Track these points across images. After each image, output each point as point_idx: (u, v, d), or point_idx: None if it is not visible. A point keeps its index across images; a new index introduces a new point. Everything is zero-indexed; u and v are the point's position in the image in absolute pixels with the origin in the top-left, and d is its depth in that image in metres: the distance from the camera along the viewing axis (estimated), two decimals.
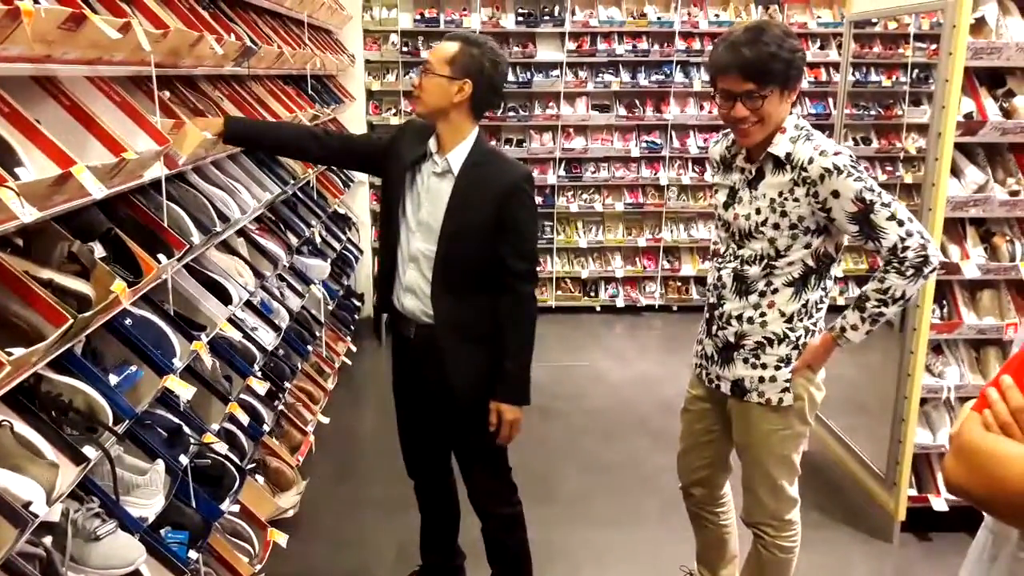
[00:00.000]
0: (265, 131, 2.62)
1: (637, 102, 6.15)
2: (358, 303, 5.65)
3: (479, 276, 2.23)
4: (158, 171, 2.20)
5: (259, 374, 3.28)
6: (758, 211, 2.07)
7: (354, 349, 5.09)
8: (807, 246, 2.06)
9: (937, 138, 2.81)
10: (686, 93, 6.14)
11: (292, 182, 3.56)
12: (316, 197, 4.50)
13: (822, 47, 6.09)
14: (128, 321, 2.17)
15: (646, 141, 6.18)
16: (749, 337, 2.15)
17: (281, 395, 3.37)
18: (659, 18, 5.97)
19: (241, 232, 3.23)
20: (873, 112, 5.97)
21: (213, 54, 2.45)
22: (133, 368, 2.02)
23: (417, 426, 2.56)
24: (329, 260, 4.43)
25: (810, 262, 2.08)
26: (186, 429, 2.30)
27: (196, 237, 2.36)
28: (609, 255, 6.39)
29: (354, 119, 5.76)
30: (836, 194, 1.96)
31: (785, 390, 2.14)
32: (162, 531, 2.24)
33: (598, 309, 6.35)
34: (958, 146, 2.84)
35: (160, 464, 2.02)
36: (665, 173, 6.19)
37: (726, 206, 2.16)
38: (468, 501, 2.58)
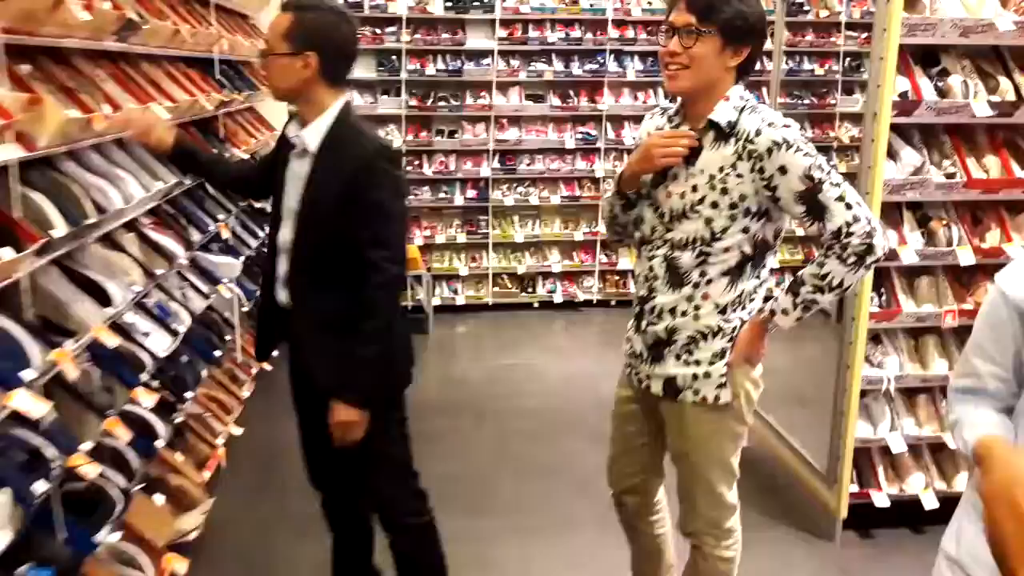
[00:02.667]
0: (211, 156, 2.44)
1: (571, 92, 5.98)
2: None
3: (339, 264, 2.01)
4: (8, 153, 1.91)
5: (150, 384, 2.99)
6: (695, 188, 1.90)
7: (276, 353, 4.78)
8: (745, 230, 1.89)
9: (873, 119, 2.68)
10: (620, 83, 5.99)
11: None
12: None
13: None
14: None
15: (581, 132, 6.01)
16: (682, 332, 1.98)
17: (180, 406, 3.08)
18: (591, 5, 5.81)
19: (132, 227, 2.93)
20: (807, 101, 5.92)
21: (82, 24, 2.16)
22: None
23: (312, 431, 2.31)
24: (242, 258, 4.13)
25: (747, 249, 1.91)
26: (48, 451, 2.01)
27: (61, 230, 2.08)
28: (546, 249, 6.21)
29: (274, 108, 5.44)
30: (784, 170, 1.80)
31: (721, 386, 1.97)
32: (21, 569, 1.96)
33: (536, 305, 6.16)
34: (894, 127, 2.72)
35: (4, 493, 1.73)
36: (601, 165, 6.04)
37: (656, 184, 1.98)
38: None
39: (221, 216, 3.79)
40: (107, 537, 2.26)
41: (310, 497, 3.42)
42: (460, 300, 5.99)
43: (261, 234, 4.76)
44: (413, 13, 5.60)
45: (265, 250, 2.08)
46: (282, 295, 2.14)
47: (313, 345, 2.09)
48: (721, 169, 1.86)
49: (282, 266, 2.10)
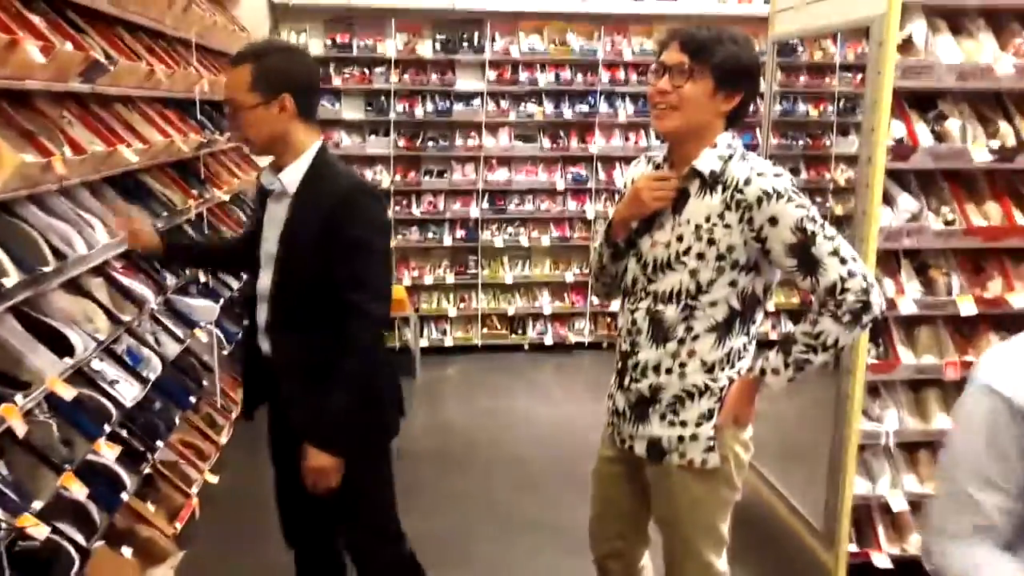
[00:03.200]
0: (203, 246, 2.42)
1: (562, 133, 5.94)
2: None
3: (320, 308, 1.91)
4: None
5: (120, 433, 2.87)
6: (680, 238, 1.80)
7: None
8: (732, 283, 1.79)
9: (868, 163, 2.61)
10: (611, 124, 5.95)
11: (165, 214, 3.16)
12: (207, 231, 4.10)
13: None
14: None
15: (572, 173, 5.95)
16: (667, 390, 1.87)
17: (150, 455, 2.94)
18: (582, 47, 5.79)
19: (100, 271, 2.83)
20: (801, 142, 5.88)
21: (40, 65, 2.08)
22: None
23: (288, 482, 2.19)
24: (222, 300, 4.02)
25: (735, 303, 1.81)
26: None
27: (12, 278, 1.97)
28: (536, 291, 6.11)
29: None
30: (774, 221, 1.71)
31: (709, 449, 1.85)
32: None
33: (526, 347, 6.04)
34: (890, 173, 2.64)
35: None
36: (592, 206, 5.97)
37: (640, 232, 1.88)
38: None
39: None
40: None
41: (283, 553, 3.27)
42: (448, 342, 5.88)
43: (244, 276, 4.66)
44: (403, 54, 5.57)
45: (245, 296, 2.07)
46: (264, 344, 2.04)
47: (291, 389, 1.99)
48: (708, 219, 1.77)
49: (262, 314, 2.02)
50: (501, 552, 3.29)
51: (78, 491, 2.16)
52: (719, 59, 1.71)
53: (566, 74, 5.79)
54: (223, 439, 3.99)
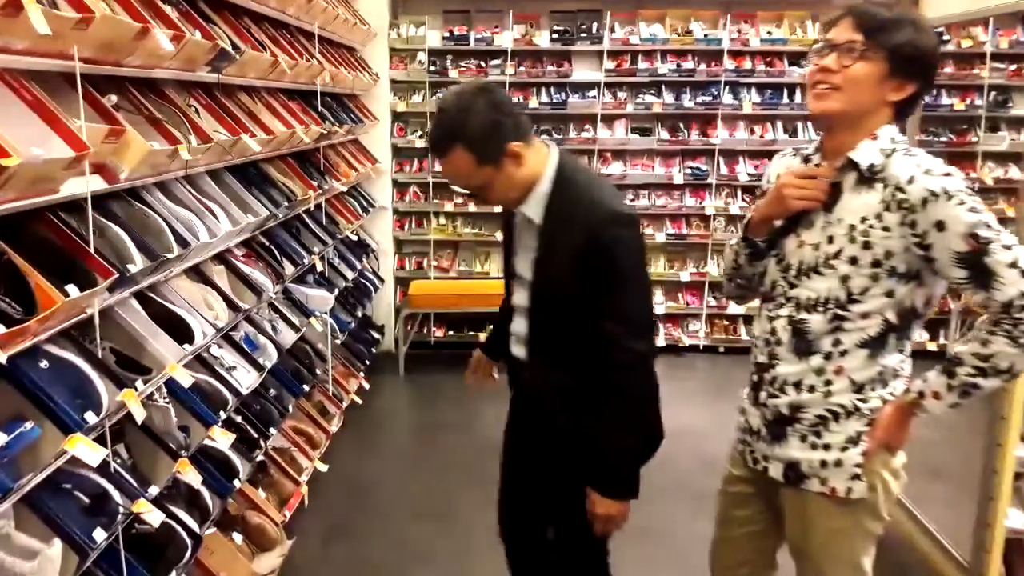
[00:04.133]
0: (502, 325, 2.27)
1: (681, 125, 5.71)
2: (377, 335, 5.28)
3: (577, 337, 1.84)
4: (88, 185, 1.84)
5: (235, 420, 2.91)
6: (831, 239, 1.62)
7: (367, 386, 4.70)
8: (889, 294, 1.59)
9: None
10: (735, 116, 5.67)
11: (286, 204, 3.20)
12: (325, 222, 4.15)
13: None
14: (43, 364, 1.80)
15: (691, 167, 5.72)
16: (808, 409, 1.69)
17: (263, 442, 2.98)
18: (706, 35, 5.54)
19: (222, 259, 2.88)
20: (944, 138, 5.42)
21: (170, 54, 2.10)
22: (28, 425, 1.64)
23: (517, 478, 2.18)
24: (336, 290, 4.06)
25: (891, 316, 1.61)
26: (114, 495, 1.92)
27: (138, 264, 2.00)
28: None
29: (378, 141, 5.44)
30: (941, 226, 1.50)
31: (855, 477, 1.66)
32: None
33: None
34: None
35: (55, 545, 1.63)
36: (711, 202, 5.72)
37: (784, 231, 1.71)
38: None
39: (317, 249, 3.73)
40: None
41: (392, 542, 3.27)
42: None
43: (359, 266, 4.71)
44: (519, 45, 5.49)
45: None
46: (518, 350, 2.01)
47: (551, 409, 1.95)
48: (863, 219, 1.58)
49: (519, 325, 1.98)
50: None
51: (193, 478, 2.19)
52: (897, 42, 1.53)
53: (688, 63, 5.56)
54: (334, 428, 4.04)
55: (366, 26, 4.98)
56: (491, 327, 2.41)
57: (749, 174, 5.66)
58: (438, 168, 5.68)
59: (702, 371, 5.59)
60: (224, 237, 2.62)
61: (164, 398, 2.34)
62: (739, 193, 5.76)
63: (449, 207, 5.61)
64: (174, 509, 2.33)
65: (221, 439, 2.42)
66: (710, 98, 5.59)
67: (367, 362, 4.90)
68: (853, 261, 1.59)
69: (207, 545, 2.70)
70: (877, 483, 1.66)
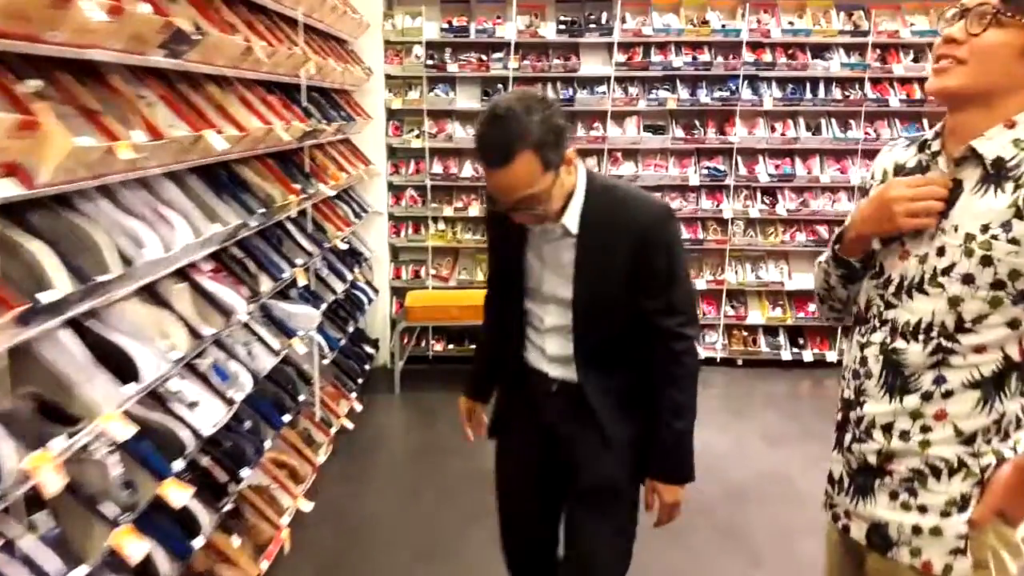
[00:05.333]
0: (490, 358, 2.15)
1: (697, 122, 5.32)
2: (371, 350, 4.88)
3: (629, 341, 1.83)
4: None
5: (200, 463, 2.52)
6: (941, 251, 1.28)
7: (359, 408, 4.31)
8: (1013, 324, 1.24)
9: None
10: (754, 112, 5.28)
11: (262, 211, 2.80)
12: (312, 230, 3.76)
13: (916, 59, 5.19)
14: None
15: (707, 167, 5.32)
16: (900, 460, 1.35)
17: (232, 486, 2.59)
18: (724, 26, 5.15)
19: (185, 276, 2.49)
20: None
21: (105, 29, 1.71)
22: None
23: (536, 501, 2.02)
24: (323, 306, 3.67)
25: (1012, 352, 1.26)
26: None
27: (60, 290, 1.60)
28: None
29: (371, 140, 5.04)
30: None
31: (958, 551, 1.30)
32: None
33: None
34: None
35: None
36: (729, 204, 5.32)
37: (891, 240, 1.37)
38: None
39: (300, 260, 3.34)
40: None
41: None
42: None
43: (350, 276, 4.32)
44: (523, 37, 5.10)
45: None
46: (549, 368, 1.89)
47: (608, 425, 1.86)
48: (986, 228, 1.23)
49: (553, 345, 1.87)
50: None
51: (135, 549, 1.79)
52: None
53: (704, 56, 5.17)
54: (321, 458, 3.64)
55: (358, 16, 4.59)
56: (475, 365, 2.21)
57: (770, 175, 5.27)
58: (436, 170, 5.34)
59: (720, 387, 5.19)
60: (184, 251, 2.22)
61: (105, 448, 1.94)
62: (759, 195, 5.37)
63: (448, 211, 5.21)
64: None
65: (175, 494, 2.02)
66: (728, 93, 5.20)
67: (360, 380, 4.50)
68: (968, 280, 1.25)
69: None
70: (989, 559, 1.30)
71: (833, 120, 5.29)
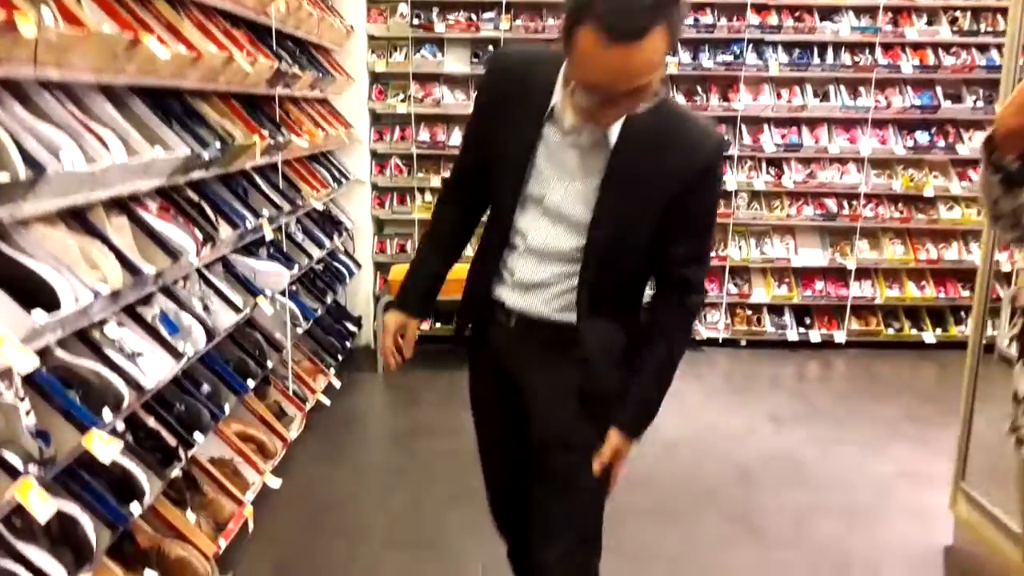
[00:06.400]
0: (439, 262, 1.81)
1: (699, 88, 5.03)
2: (353, 328, 4.58)
3: (638, 281, 1.63)
4: None
5: (146, 423, 2.23)
6: None
7: (337, 385, 4.00)
8: None
9: None
10: (759, 78, 5.00)
11: (218, 147, 2.50)
12: (284, 187, 3.45)
13: (930, 23, 4.92)
14: None
15: None
16: None
17: (182, 452, 2.29)
18: None
19: (125, 209, 2.19)
20: None
21: None
22: None
23: (506, 457, 1.81)
24: (296, 267, 3.37)
25: None
26: None
27: None
28: None
29: (353, 104, 4.74)
30: None
31: None
32: None
33: None
34: None
35: None
36: (733, 176, 5.04)
37: None
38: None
39: (267, 213, 3.03)
40: None
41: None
42: None
43: (329, 244, 4.02)
44: None
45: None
46: (508, 296, 1.62)
47: (601, 375, 1.62)
48: None
49: (524, 266, 1.59)
50: None
51: (42, 506, 1.48)
52: None
53: (707, 18, 4.88)
54: (293, 433, 3.34)
55: None
56: (412, 275, 1.83)
57: (776, 144, 4.99)
58: (423, 137, 5.02)
59: (724, 367, 4.90)
60: (120, 173, 1.93)
61: (16, 391, 1.64)
62: (764, 166, 5.09)
63: (436, 182, 4.91)
64: (23, 549, 1.63)
65: (101, 448, 1.72)
66: (731, 58, 4.93)
67: (340, 357, 4.20)
68: None
69: None
70: None
71: (842, 87, 5.01)
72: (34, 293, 1.63)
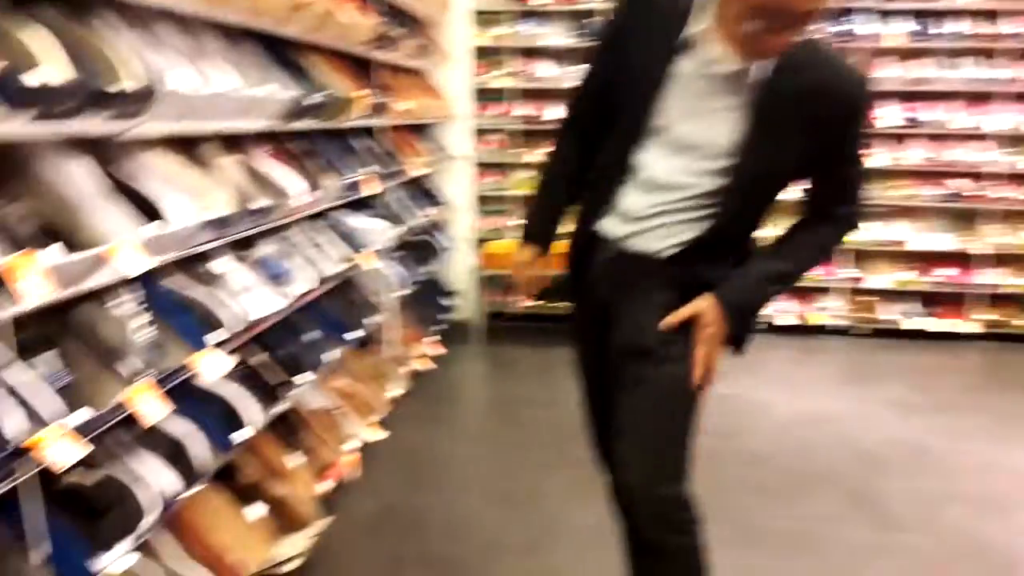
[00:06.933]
0: (559, 192, 1.76)
1: None
2: (451, 302, 4.60)
3: (752, 226, 1.59)
4: None
5: (247, 360, 2.26)
6: None
7: (438, 353, 4.03)
8: None
9: None
10: (879, 50, 4.70)
11: (321, 95, 2.52)
12: (382, 151, 3.48)
13: None
14: None
15: None
16: None
17: (284, 390, 2.32)
18: None
19: (235, 145, 2.24)
20: None
21: None
22: None
23: (603, 388, 1.71)
24: (396, 230, 3.39)
25: None
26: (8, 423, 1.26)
27: (53, 75, 1.34)
28: None
29: (454, 79, 4.75)
30: None
31: None
32: None
33: None
34: None
35: None
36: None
37: None
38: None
39: (364, 170, 3.05)
40: (117, 560, 1.48)
41: (457, 529, 2.54)
42: None
43: (427, 214, 4.04)
44: None
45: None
46: (616, 229, 1.58)
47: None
48: None
49: (636, 198, 1.55)
50: (737, 565, 2.33)
51: (153, 408, 1.51)
52: None
53: None
54: (395, 393, 3.36)
55: None
56: (536, 206, 1.78)
57: (899, 119, 4.68)
58: (524, 112, 4.95)
59: (839, 353, 4.63)
60: (228, 105, 1.96)
61: (131, 305, 1.69)
62: (885, 142, 4.78)
63: (535, 156, 4.84)
64: (136, 457, 1.67)
65: (207, 366, 1.75)
66: (847, 29, 4.66)
67: (440, 329, 4.22)
68: None
69: (206, 517, 2.05)
70: None
71: (969, 58, 4.66)
72: (144, 212, 1.67)
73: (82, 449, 1.32)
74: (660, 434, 1.51)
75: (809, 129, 1.43)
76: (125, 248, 1.44)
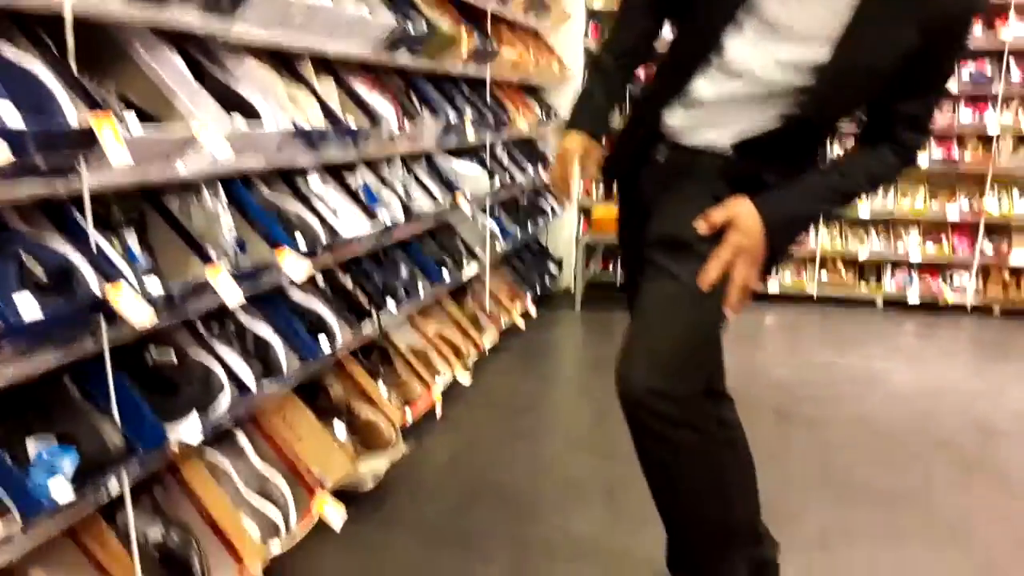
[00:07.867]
0: (623, 76, 1.56)
1: None
2: (554, 270, 4.56)
3: (828, 134, 1.52)
4: None
5: (343, 283, 2.31)
6: None
7: (534, 313, 3.99)
8: None
9: None
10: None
11: (425, 28, 2.54)
12: (489, 102, 3.48)
13: None
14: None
15: (968, 72, 4.42)
16: None
17: (376, 313, 2.35)
18: None
19: (332, 70, 2.28)
20: None
21: None
22: None
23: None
24: (498, 180, 3.38)
25: None
26: (84, 270, 1.33)
27: None
28: (901, 229, 4.66)
29: (568, 42, 4.71)
30: None
31: None
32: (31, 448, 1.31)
33: (879, 304, 4.65)
34: None
35: None
36: (996, 117, 4.37)
37: None
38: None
39: (471, 113, 3.06)
40: (189, 432, 1.53)
41: (536, 470, 2.52)
42: (773, 288, 4.70)
43: (532, 172, 4.01)
44: None
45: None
46: (680, 119, 1.46)
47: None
48: None
49: (710, 86, 1.41)
50: (839, 528, 2.17)
51: (228, 290, 1.56)
52: None
53: None
54: (486, 343, 3.36)
55: None
56: (592, 90, 1.55)
57: None
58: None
59: (971, 332, 4.27)
60: (325, 19, 1.99)
61: (217, 200, 1.75)
62: None
63: None
64: (219, 347, 1.73)
65: (291, 265, 1.79)
66: None
67: (538, 290, 4.19)
68: None
69: (292, 427, 2.12)
70: None
71: None
72: (239, 111, 1.73)
73: (153, 316, 1.36)
74: (667, 329, 1.37)
75: (919, 26, 1.27)
76: (212, 133, 1.49)
